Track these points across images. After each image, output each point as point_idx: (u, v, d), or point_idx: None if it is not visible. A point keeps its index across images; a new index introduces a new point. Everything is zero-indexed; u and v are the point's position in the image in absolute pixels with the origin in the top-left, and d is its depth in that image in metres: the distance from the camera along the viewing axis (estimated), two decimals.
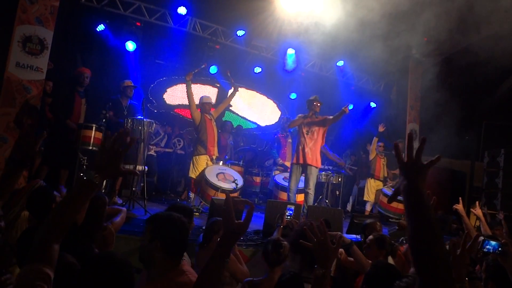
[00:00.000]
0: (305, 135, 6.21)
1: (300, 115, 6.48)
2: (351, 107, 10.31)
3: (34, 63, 5.83)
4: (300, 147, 6.23)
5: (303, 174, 6.30)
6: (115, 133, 1.57)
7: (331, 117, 6.25)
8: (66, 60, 6.56)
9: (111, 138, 1.59)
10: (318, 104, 6.40)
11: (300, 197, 6.44)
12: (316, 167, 6.28)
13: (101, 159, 1.61)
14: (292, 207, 4.59)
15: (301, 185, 6.44)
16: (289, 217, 4.39)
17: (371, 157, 8.38)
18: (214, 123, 6.42)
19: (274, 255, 2.81)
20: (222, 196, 5.38)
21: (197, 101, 6.41)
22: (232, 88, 6.74)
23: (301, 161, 6.17)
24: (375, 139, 8.38)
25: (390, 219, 7.67)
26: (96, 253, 1.58)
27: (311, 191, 6.11)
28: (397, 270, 2.08)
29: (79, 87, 6.10)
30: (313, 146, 6.22)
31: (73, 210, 1.58)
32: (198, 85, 9.31)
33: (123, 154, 1.60)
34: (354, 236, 5.51)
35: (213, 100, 6.71)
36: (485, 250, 2.43)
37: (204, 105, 6.38)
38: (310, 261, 3.22)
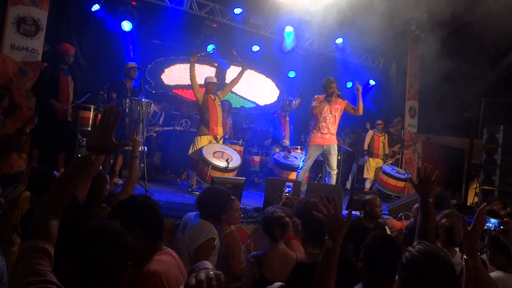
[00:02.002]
0: (327, 119, 5.99)
1: (322, 100, 6.05)
2: (349, 84, 10.30)
3: (30, 45, 5.77)
4: (323, 131, 5.99)
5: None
6: (103, 111, 1.65)
7: (354, 106, 6.04)
8: (62, 41, 6.45)
9: (101, 116, 1.67)
10: (334, 84, 6.04)
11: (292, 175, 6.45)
12: (336, 144, 6.19)
13: (92, 136, 1.69)
14: (291, 184, 4.60)
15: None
16: (287, 194, 4.41)
17: (367, 143, 8.38)
18: (219, 103, 6.37)
19: (278, 232, 2.85)
20: (214, 173, 5.39)
21: (200, 82, 6.36)
22: (241, 68, 6.64)
23: (322, 142, 5.99)
24: (369, 134, 8.41)
25: (391, 196, 7.72)
26: (90, 224, 1.56)
27: (335, 171, 6.00)
28: (395, 240, 2.11)
29: (62, 64, 5.74)
30: (335, 129, 6.12)
31: (70, 186, 1.62)
32: (196, 65, 9.19)
33: (113, 128, 1.66)
34: (353, 212, 5.58)
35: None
36: (485, 227, 2.47)
37: (208, 85, 6.34)
38: (313, 236, 3.28)
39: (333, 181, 5.98)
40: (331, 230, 1.79)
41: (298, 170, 6.19)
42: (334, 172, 5.99)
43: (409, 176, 7.75)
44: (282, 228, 2.87)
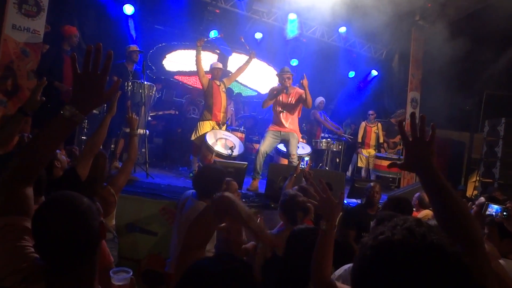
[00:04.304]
0: (281, 110, 5.89)
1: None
2: (351, 74, 10.23)
3: (31, 26, 5.69)
4: (279, 117, 5.90)
5: (303, 140, 6.23)
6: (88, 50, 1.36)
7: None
8: (63, 23, 6.38)
9: (85, 58, 1.34)
10: (290, 79, 5.87)
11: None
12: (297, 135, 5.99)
13: (77, 87, 1.36)
14: (307, 159, 4.62)
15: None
16: (302, 167, 4.41)
17: (360, 134, 8.42)
18: (224, 89, 6.34)
19: (301, 216, 2.86)
20: (217, 159, 5.36)
21: (205, 68, 6.33)
22: (248, 56, 6.59)
23: (282, 129, 5.90)
24: (361, 126, 8.45)
25: (390, 183, 7.77)
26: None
27: (295, 157, 5.76)
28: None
29: (66, 45, 5.76)
30: (292, 120, 5.93)
31: (44, 149, 1.38)
32: None
33: (104, 76, 1.35)
34: (354, 200, 5.59)
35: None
36: (488, 213, 2.46)
37: (213, 70, 6.31)
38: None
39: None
40: (325, 213, 1.81)
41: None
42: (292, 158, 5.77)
43: (402, 157, 7.82)
44: (305, 213, 2.87)
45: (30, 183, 1.38)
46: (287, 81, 5.76)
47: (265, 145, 5.76)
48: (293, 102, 5.86)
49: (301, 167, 4.39)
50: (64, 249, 1.21)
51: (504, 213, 2.33)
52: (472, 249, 1.17)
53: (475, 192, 9.56)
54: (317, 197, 1.85)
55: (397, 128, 8.79)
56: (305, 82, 5.46)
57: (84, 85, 1.34)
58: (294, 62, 10.10)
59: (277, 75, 6.03)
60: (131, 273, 1.66)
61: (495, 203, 2.53)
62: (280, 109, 5.90)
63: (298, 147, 7.31)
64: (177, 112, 8.23)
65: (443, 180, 1.29)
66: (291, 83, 5.85)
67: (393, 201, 3.33)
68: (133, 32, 7.68)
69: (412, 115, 1.50)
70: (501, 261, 2.40)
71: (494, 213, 2.46)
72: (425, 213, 4.55)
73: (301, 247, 2.05)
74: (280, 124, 5.88)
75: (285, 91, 5.78)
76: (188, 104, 8.50)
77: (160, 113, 7.77)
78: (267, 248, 2.63)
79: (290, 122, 5.89)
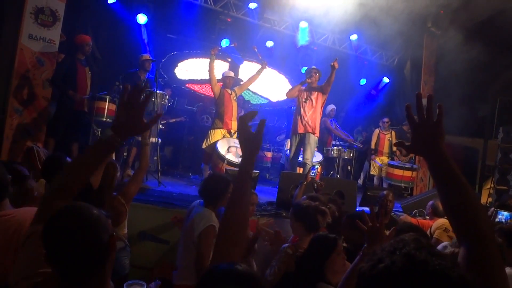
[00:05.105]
0: (303, 103, 6.04)
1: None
2: (362, 82, 10.21)
3: (47, 35, 5.81)
4: (299, 117, 6.04)
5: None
6: (130, 87, 1.50)
7: (325, 82, 6.03)
8: (78, 33, 6.50)
9: (127, 92, 1.49)
10: (317, 74, 6.19)
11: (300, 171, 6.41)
12: (314, 135, 6.03)
13: (119, 115, 1.51)
14: (317, 166, 4.58)
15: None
16: (313, 175, 4.38)
17: (373, 142, 8.37)
18: (235, 98, 6.39)
19: (321, 220, 2.83)
20: (228, 168, 5.37)
21: (217, 76, 6.39)
22: (260, 65, 6.63)
23: (300, 130, 6.00)
24: (375, 133, 8.38)
25: (403, 191, 7.68)
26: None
27: (308, 161, 5.84)
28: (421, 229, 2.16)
29: (80, 55, 5.87)
30: (313, 114, 6.03)
31: (85, 171, 1.49)
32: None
33: (143, 107, 1.49)
34: (367, 209, 5.54)
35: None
36: (498, 220, 2.43)
37: (226, 79, 6.37)
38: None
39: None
40: (371, 240, 1.86)
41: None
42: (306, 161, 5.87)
43: (415, 166, 7.80)
44: (323, 216, 2.84)
45: (67, 200, 1.43)
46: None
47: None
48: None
49: (311, 175, 4.36)
50: (72, 260, 1.22)
51: None
52: (480, 245, 1.08)
53: (490, 199, 9.40)
54: (369, 224, 1.88)
55: (409, 136, 8.75)
56: (336, 64, 5.82)
57: (127, 114, 1.48)
58: (305, 70, 10.09)
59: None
60: (145, 286, 1.67)
61: (506, 209, 2.49)
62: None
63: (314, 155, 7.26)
64: (187, 119, 8.28)
65: (452, 164, 1.19)
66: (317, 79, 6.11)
67: (351, 218, 3.22)
68: (145, 40, 7.78)
69: (418, 95, 1.37)
70: (507, 269, 2.37)
71: (504, 220, 2.42)
72: (441, 222, 4.39)
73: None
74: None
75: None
76: (201, 113, 8.54)
77: (172, 120, 7.83)
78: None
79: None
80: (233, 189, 1.46)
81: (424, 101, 1.33)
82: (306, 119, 5.98)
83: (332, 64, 5.81)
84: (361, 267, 0.87)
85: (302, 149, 6.02)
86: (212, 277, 1.09)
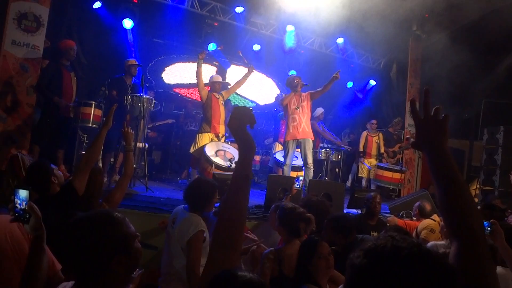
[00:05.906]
0: (296, 110, 6.11)
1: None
2: (349, 84, 10.29)
3: (31, 41, 5.73)
4: (294, 124, 6.11)
5: (298, 150, 6.27)
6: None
7: (319, 89, 6.19)
8: (63, 38, 6.43)
9: None
10: (300, 81, 6.27)
11: (293, 175, 6.45)
12: (312, 139, 6.21)
13: None
14: (300, 177, 4.60)
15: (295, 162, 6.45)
16: (298, 187, 4.39)
17: (362, 144, 8.42)
18: (222, 102, 6.39)
19: (304, 227, 2.82)
20: (216, 172, 5.34)
21: (205, 81, 6.39)
22: (247, 69, 6.65)
23: (297, 136, 6.08)
24: (363, 135, 8.44)
25: (390, 193, 7.73)
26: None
27: (311, 165, 6.06)
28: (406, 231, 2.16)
29: (65, 60, 5.73)
30: (307, 120, 6.17)
31: None
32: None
33: None
34: (354, 210, 5.57)
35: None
36: None
37: (214, 84, 6.36)
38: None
39: (310, 173, 6.03)
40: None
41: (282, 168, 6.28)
42: (308, 166, 6.06)
43: (404, 168, 7.87)
44: (307, 224, 2.84)
45: None
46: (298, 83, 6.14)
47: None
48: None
49: (296, 187, 4.38)
50: (77, 261, 1.35)
51: (489, 228, 2.32)
52: (472, 243, 1.10)
53: (476, 200, 9.53)
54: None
55: (396, 138, 8.86)
56: (338, 76, 5.96)
57: None
58: (292, 73, 10.13)
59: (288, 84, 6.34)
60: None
61: (493, 211, 2.51)
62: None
63: (297, 157, 7.32)
64: (174, 121, 8.26)
65: (452, 163, 1.21)
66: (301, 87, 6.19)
67: (333, 221, 3.22)
68: (132, 44, 7.74)
69: (426, 92, 1.33)
70: (497, 268, 2.40)
71: None
72: (427, 223, 4.44)
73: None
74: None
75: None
76: (184, 117, 8.52)
77: (158, 123, 7.80)
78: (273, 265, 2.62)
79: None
80: (230, 192, 1.43)
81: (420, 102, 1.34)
82: (302, 125, 6.07)
83: (334, 75, 5.92)
84: (350, 258, 0.90)
85: (301, 154, 6.17)
86: (221, 284, 1.13)
